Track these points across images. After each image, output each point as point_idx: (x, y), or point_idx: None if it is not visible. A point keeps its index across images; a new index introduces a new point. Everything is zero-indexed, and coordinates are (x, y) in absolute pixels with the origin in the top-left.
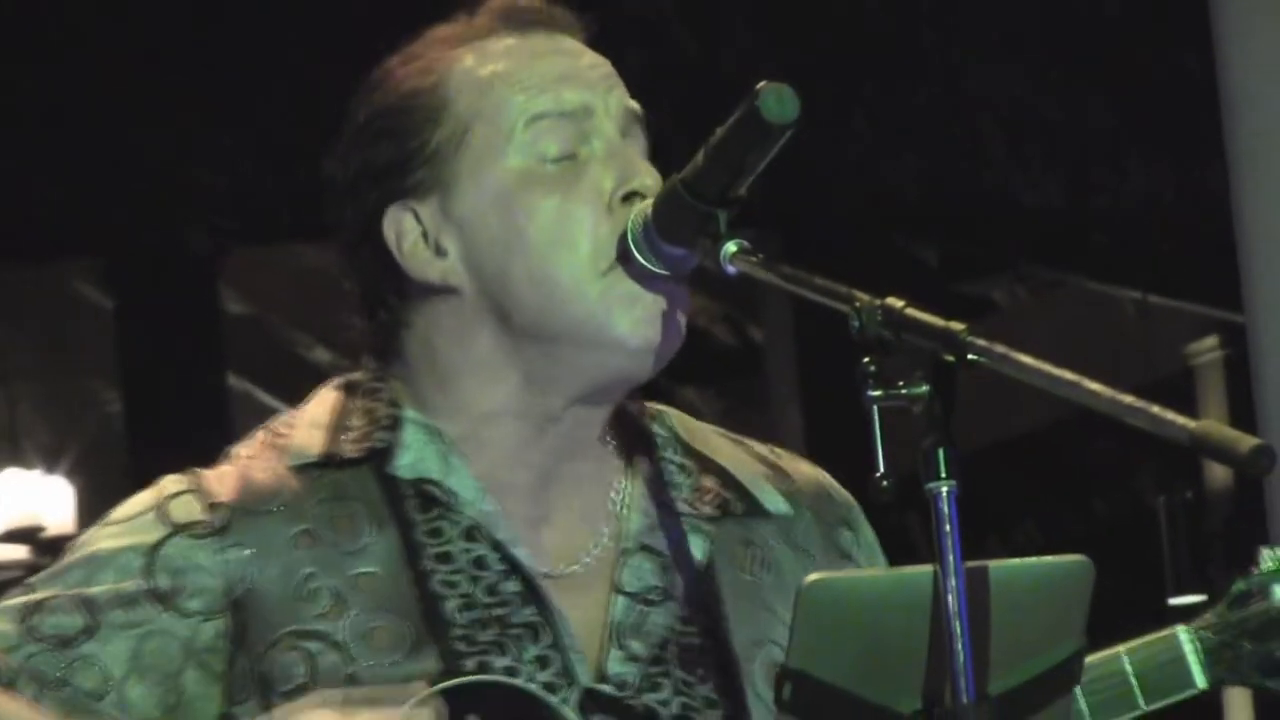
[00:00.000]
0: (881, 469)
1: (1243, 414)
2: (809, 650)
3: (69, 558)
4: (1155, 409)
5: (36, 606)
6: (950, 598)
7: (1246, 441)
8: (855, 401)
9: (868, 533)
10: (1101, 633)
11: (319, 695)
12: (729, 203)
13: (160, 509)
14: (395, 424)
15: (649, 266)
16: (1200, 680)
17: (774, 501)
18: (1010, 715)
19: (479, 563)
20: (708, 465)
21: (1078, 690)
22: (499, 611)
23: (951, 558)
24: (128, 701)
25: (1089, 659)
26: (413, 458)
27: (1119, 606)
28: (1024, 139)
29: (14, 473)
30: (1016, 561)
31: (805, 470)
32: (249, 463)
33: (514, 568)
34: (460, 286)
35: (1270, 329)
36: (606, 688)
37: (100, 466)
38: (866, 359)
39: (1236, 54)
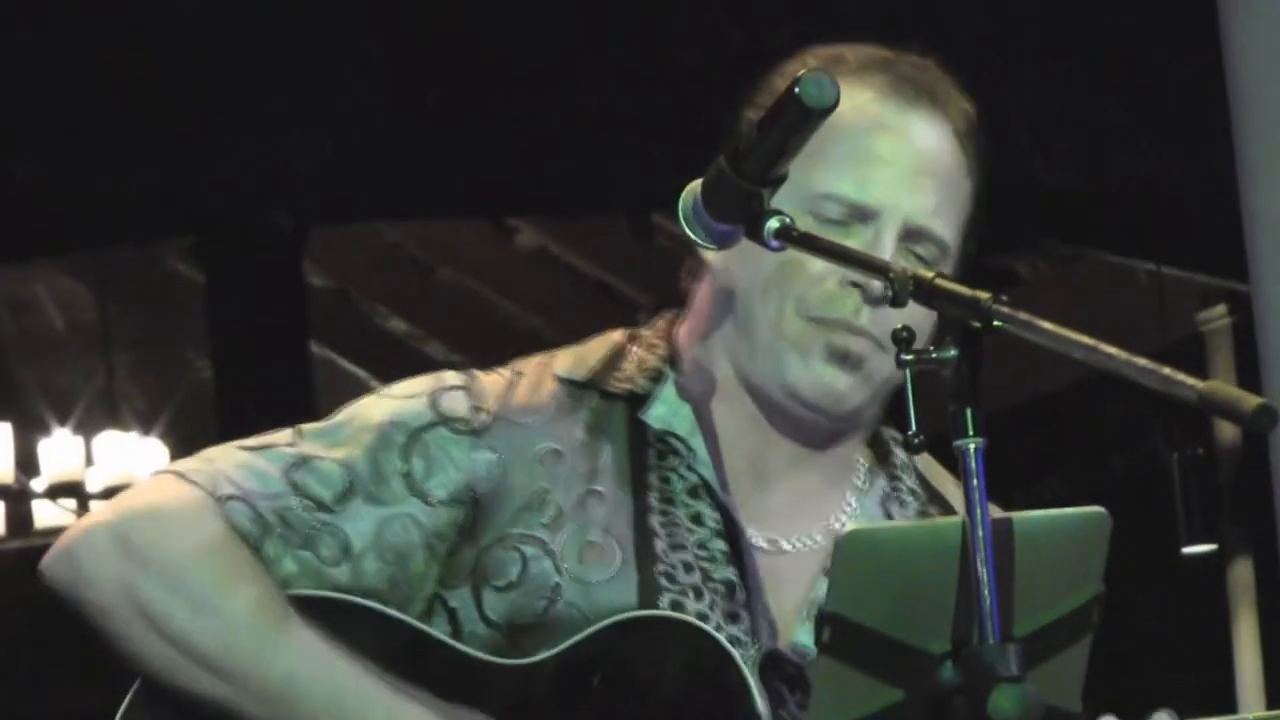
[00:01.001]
0: (914, 427)
1: (1249, 376)
2: (847, 596)
3: (341, 415)
4: (1166, 371)
5: (304, 461)
6: (978, 547)
7: (1251, 400)
8: None
9: None
10: (1119, 579)
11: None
12: (772, 181)
13: (433, 397)
14: (658, 377)
15: (698, 240)
16: None
17: None
18: (1033, 656)
19: (696, 518)
20: (935, 498)
21: None
22: (703, 565)
23: (979, 510)
24: (361, 572)
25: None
26: (665, 411)
27: (1136, 555)
28: (1045, 126)
29: (112, 434)
30: (1038, 513)
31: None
32: (522, 378)
33: (729, 529)
34: (714, 270)
35: (1274, 297)
36: (789, 652)
37: (192, 429)
38: (900, 325)
39: (1242, 43)
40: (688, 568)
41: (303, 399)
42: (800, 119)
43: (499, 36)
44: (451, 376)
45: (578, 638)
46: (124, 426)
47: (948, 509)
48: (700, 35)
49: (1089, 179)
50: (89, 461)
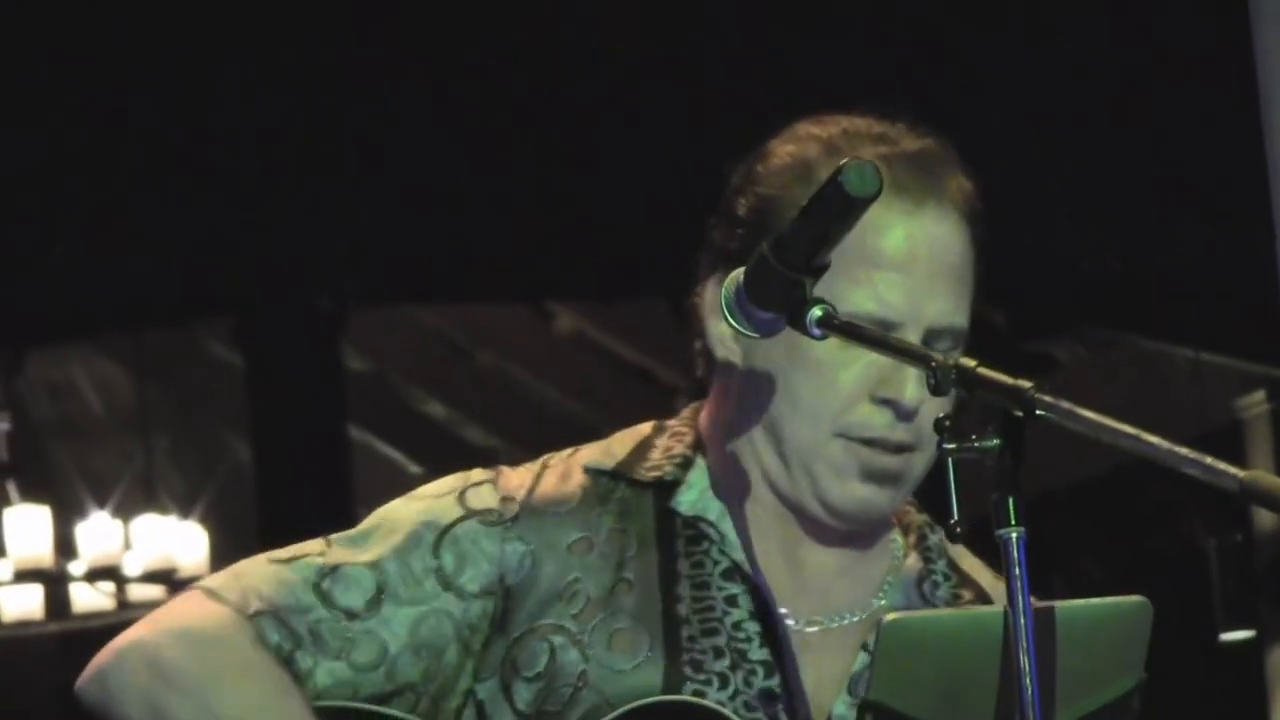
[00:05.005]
0: (955, 515)
1: None
2: (889, 683)
3: (369, 522)
4: (1208, 459)
5: (332, 571)
6: (1020, 636)
7: None
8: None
9: None
10: (1157, 664)
11: None
12: (815, 270)
13: (461, 494)
14: (687, 464)
15: (740, 329)
16: None
17: None
18: None
19: (731, 600)
20: (967, 581)
21: None
22: (739, 646)
23: (1021, 599)
24: (396, 672)
25: None
26: (694, 497)
27: (1173, 640)
28: (1085, 213)
29: (151, 517)
30: (1080, 602)
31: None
32: (549, 470)
33: (764, 612)
34: (735, 373)
35: None
36: None
37: (231, 512)
38: (941, 414)
39: None
40: (718, 653)
41: (340, 482)
42: (844, 208)
43: (537, 122)
44: (478, 473)
45: None
46: (162, 509)
47: (979, 591)
48: (741, 121)
49: (1127, 264)
50: (127, 545)
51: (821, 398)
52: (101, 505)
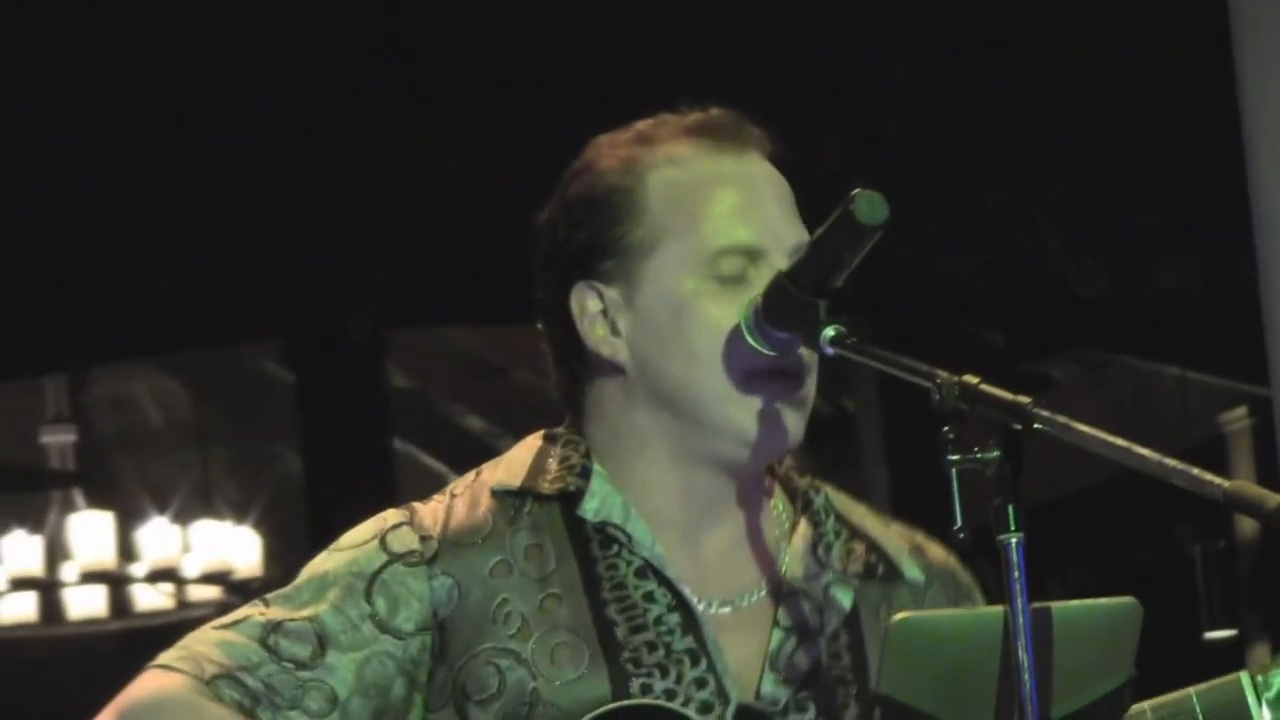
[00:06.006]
0: (959, 523)
1: (1269, 474)
2: (896, 678)
3: (301, 578)
4: (1195, 471)
5: (276, 627)
6: (1019, 634)
7: (1273, 499)
8: (935, 464)
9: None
10: (1147, 661)
11: None
12: (827, 293)
13: (382, 539)
14: (586, 473)
15: (759, 349)
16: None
17: (912, 570)
18: None
19: (648, 596)
20: (857, 534)
21: None
22: (665, 639)
23: (1020, 600)
24: (350, 714)
25: (1164, 698)
26: (598, 504)
27: (1161, 639)
28: (1076, 238)
29: (208, 523)
30: (1075, 603)
31: (938, 551)
32: (458, 500)
33: (679, 602)
34: (626, 365)
35: None
36: (759, 704)
37: (282, 519)
38: (946, 427)
39: (1263, 159)
40: (650, 647)
41: (385, 491)
42: (855, 235)
43: (565, 155)
44: (393, 515)
45: None
46: (218, 516)
47: (870, 542)
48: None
49: (1118, 288)
50: (186, 548)
51: (717, 342)
52: (161, 511)
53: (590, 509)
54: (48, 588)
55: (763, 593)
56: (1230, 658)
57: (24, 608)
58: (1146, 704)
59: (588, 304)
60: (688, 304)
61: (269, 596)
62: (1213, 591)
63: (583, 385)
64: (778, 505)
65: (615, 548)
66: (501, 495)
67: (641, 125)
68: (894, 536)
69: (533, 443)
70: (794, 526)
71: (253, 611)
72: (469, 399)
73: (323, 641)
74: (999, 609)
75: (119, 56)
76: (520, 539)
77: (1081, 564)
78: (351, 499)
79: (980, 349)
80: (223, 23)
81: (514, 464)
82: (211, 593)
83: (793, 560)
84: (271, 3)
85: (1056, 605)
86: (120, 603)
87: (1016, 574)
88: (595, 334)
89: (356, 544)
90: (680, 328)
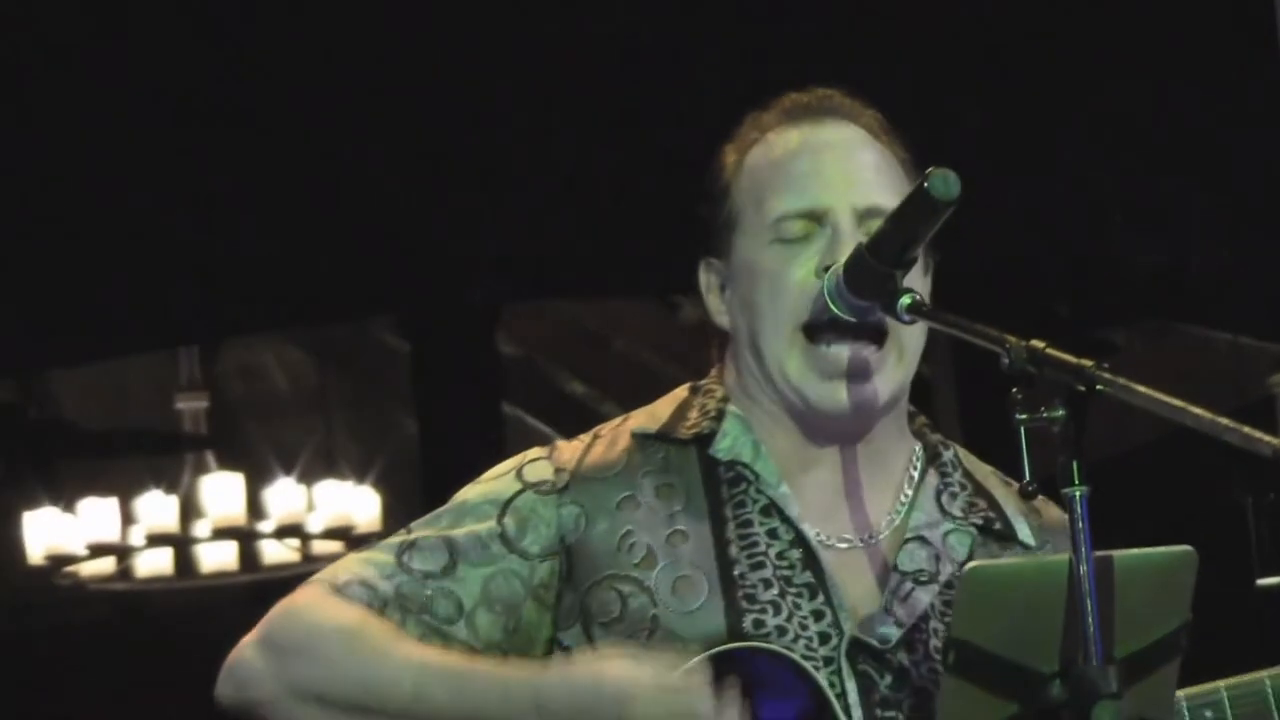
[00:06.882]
0: (1028, 476)
1: None
2: (969, 623)
3: (445, 507)
4: (1246, 429)
5: (411, 545)
6: (1083, 580)
7: None
8: (1006, 423)
9: None
10: (1202, 607)
11: (617, 651)
12: (904, 263)
13: (519, 470)
14: (720, 416)
15: (841, 315)
16: None
17: (1025, 533)
18: (1130, 675)
19: (772, 533)
20: (980, 491)
21: (1225, 702)
22: (784, 574)
23: (1084, 548)
24: (476, 626)
25: (1238, 678)
26: (730, 443)
27: (1216, 586)
28: (1138, 215)
29: (331, 483)
30: (1135, 551)
31: (1055, 513)
32: (600, 440)
33: (800, 539)
34: (729, 329)
35: None
36: (871, 639)
37: (400, 478)
38: (1015, 389)
39: None
40: (767, 584)
41: (494, 452)
42: (929, 210)
43: (658, 139)
44: (535, 451)
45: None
46: (341, 476)
47: (991, 500)
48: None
49: (1176, 260)
50: (310, 506)
51: (779, 295)
52: (288, 473)
53: (723, 448)
54: (182, 544)
55: (885, 535)
56: None
57: (160, 562)
58: (1221, 683)
59: (705, 278)
60: (756, 266)
61: (413, 523)
62: (1264, 541)
63: (724, 342)
64: (909, 453)
65: (744, 485)
66: (640, 438)
67: (759, 114)
68: (1013, 498)
69: (679, 394)
70: (922, 476)
71: (395, 536)
72: (573, 367)
73: (453, 556)
74: (1064, 557)
75: (244, 41)
76: (651, 479)
77: (1142, 516)
78: (463, 460)
79: (1049, 319)
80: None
81: (657, 411)
82: (334, 547)
83: (917, 507)
84: None
85: (1118, 554)
86: (249, 557)
87: (1080, 525)
88: (712, 304)
89: (496, 475)
90: (752, 288)
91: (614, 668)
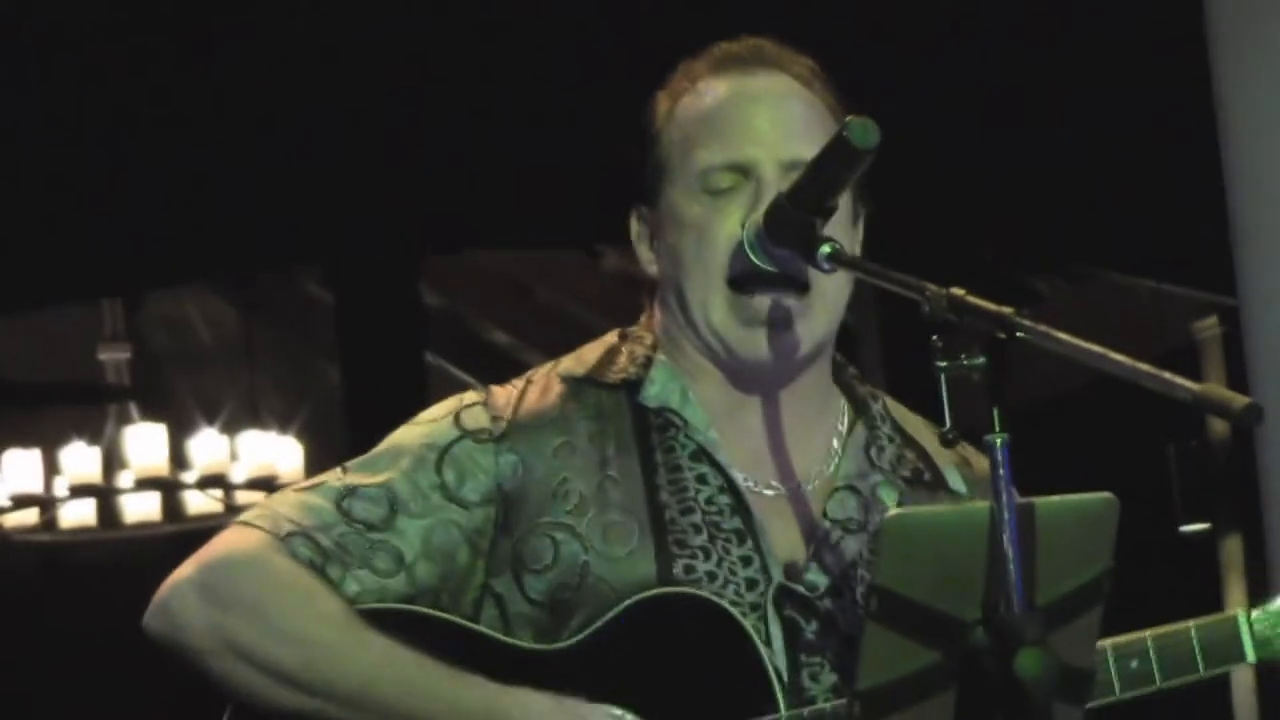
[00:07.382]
0: (948, 423)
1: (1238, 379)
2: (891, 571)
3: (380, 448)
4: (1166, 375)
5: (351, 491)
6: (1004, 528)
7: (1239, 400)
8: (926, 370)
9: None
10: (1126, 555)
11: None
12: (824, 211)
13: (456, 416)
14: (648, 363)
15: (762, 266)
16: (1250, 656)
17: (955, 481)
18: (1052, 622)
19: (701, 479)
20: (910, 442)
21: (1150, 652)
22: (713, 519)
23: (1005, 495)
24: (415, 577)
25: (1164, 628)
26: (658, 389)
27: (1138, 532)
28: (1061, 167)
29: (254, 433)
30: (1056, 498)
31: (985, 463)
32: (532, 385)
33: (729, 485)
34: (658, 277)
35: (1259, 309)
36: (798, 586)
37: (323, 429)
38: (935, 336)
39: (1230, 85)
40: (697, 529)
41: (418, 402)
42: (848, 158)
43: (595, 84)
44: (470, 395)
45: (605, 618)
46: (264, 426)
47: (921, 451)
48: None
49: (1098, 209)
50: (234, 457)
51: (703, 246)
52: (211, 423)
53: (651, 395)
54: (105, 494)
55: (814, 485)
56: (1204, 549)
57: (84, 513)
58: (1147, 632)
59: (635, 226)
60: (682, 217)
61: (347, 464)
62: (1186, 488)
63: (653, 290)
64: (837, 406)
65: (672, 431)
66: (570, 382)
67: (691, 62)
68: (945, 449)
69: (608, 339)
70: (851, 428)
71: (331, 477)
72: (496, 317)
73: (394, 507)
74: (985, 504)
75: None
76: (585, 425)
77: (1063, 464)
78: (386, 410)
79: (970, 264)
80: None
81: (584, 355)
82: (257, 497)
83: (846, 458)
84: None
85: (1039, 500)
86: (172, 507)
87: (1001, 471)
88: (641, 252)
89: (433, 419)
90: (679, 240)
91: (581, 711)
